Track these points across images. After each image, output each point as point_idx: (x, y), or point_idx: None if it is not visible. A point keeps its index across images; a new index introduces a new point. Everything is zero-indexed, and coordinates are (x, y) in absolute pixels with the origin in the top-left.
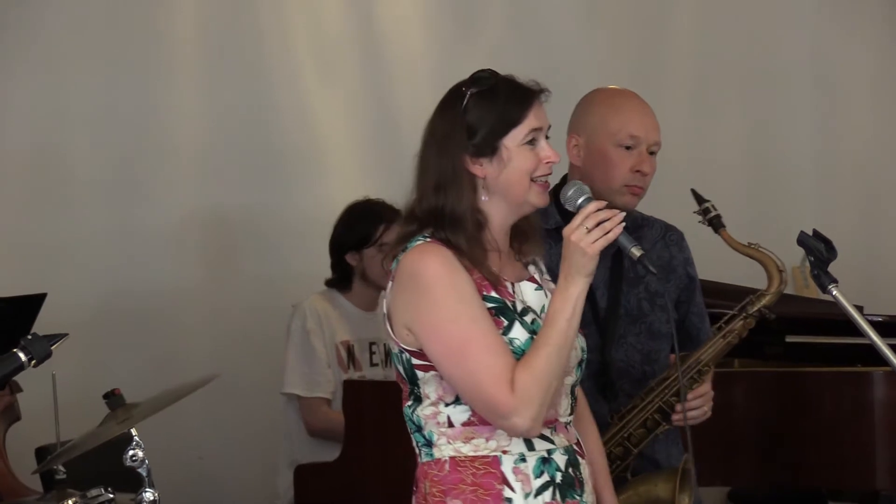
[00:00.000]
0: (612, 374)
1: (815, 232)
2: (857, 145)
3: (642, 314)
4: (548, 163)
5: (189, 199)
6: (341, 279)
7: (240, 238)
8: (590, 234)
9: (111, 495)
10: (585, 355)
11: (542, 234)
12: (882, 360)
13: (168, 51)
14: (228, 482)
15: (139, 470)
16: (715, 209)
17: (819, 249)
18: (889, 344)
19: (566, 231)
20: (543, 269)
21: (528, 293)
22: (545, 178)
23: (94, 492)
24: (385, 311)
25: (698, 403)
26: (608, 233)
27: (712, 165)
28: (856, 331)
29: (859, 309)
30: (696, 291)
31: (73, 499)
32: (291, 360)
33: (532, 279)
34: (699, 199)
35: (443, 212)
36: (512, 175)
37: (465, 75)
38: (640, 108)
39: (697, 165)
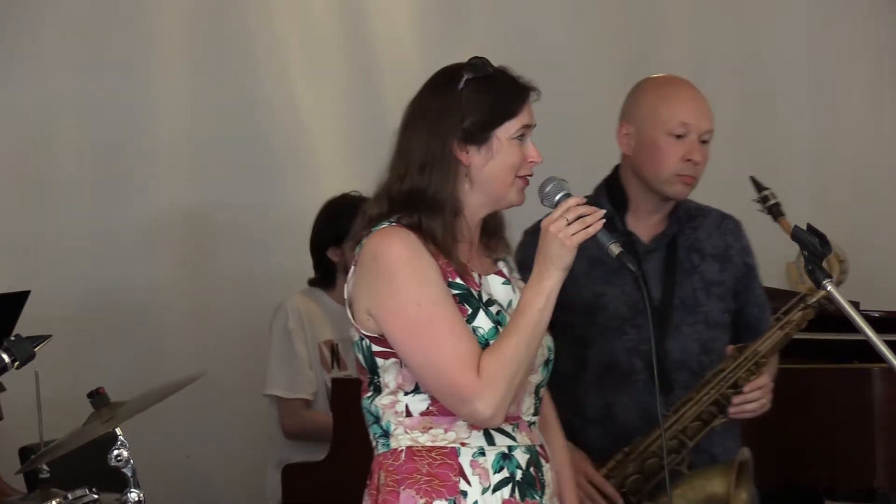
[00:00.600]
0: (669, 366)
1: (809, 226)
2: (852, 138)
3: (698, 304)
4: (531, 162)
5: (173, 196)
6: (324, 277)
7: (224, 235)
8: (570, 227)
9: (95, 496)
10: (552, 356)
11: (505, 228)
12: (880, 357)
13: (152, 44)
14: (216, 481)
15: (124, 470)
16: (775, 197)
17: (813, 244)
18: (886, 340)
19: (545, 222)
20: (514, 266)
21: (496, 286)
22: (526, 178)
23: (78, 492)
24: (347, 296)
25: (756, 396)
26: (588, 227)
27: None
28: (853, 327)
29: (855, 305)
30: (755, 281)
31: (58, 499)
32: (273, 361)
33: (500, 273)
34: (759, 187)
35: (424, 194)
36: (497, 168)
37: None
38: (692, 95)
39: None
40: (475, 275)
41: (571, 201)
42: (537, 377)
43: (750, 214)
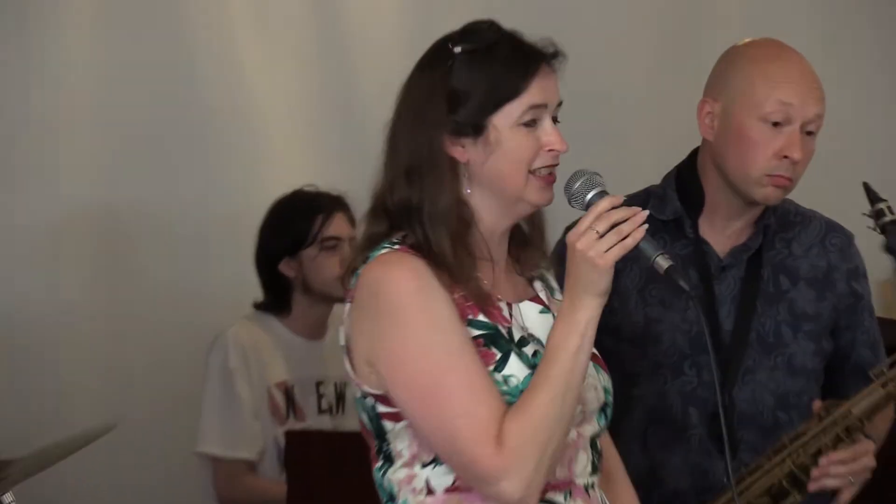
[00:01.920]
0: (734, 421)
1: None
2: None
3: (781, 342)
4: (551, 151)
5: (81, 191)
6: (276, 299)
7: (147, 242)
8: (601, 241)
9: None
10: (610, 398)
11: (546, 237)
12: None
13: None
14: None
15: None
16: (893, 212)
17: None
18: None
19: (570, 237)
20: (554, 285)
21: (531, 317)
22: (549, 171)
23: None
24: (343, 341)
25: (839, 471)
26: (626, 238)
27: None
28: None
29: None
30: (865, 314)
31: None
32: (208, 410)
33: (536, 299)
34: (873, 198)
35: (419, 206)
36: (501, 164)
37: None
38: (800, 71)
39: None
40: (503, 305)
41: (603, 204)
42: (593, 427)
43: (854, 226)
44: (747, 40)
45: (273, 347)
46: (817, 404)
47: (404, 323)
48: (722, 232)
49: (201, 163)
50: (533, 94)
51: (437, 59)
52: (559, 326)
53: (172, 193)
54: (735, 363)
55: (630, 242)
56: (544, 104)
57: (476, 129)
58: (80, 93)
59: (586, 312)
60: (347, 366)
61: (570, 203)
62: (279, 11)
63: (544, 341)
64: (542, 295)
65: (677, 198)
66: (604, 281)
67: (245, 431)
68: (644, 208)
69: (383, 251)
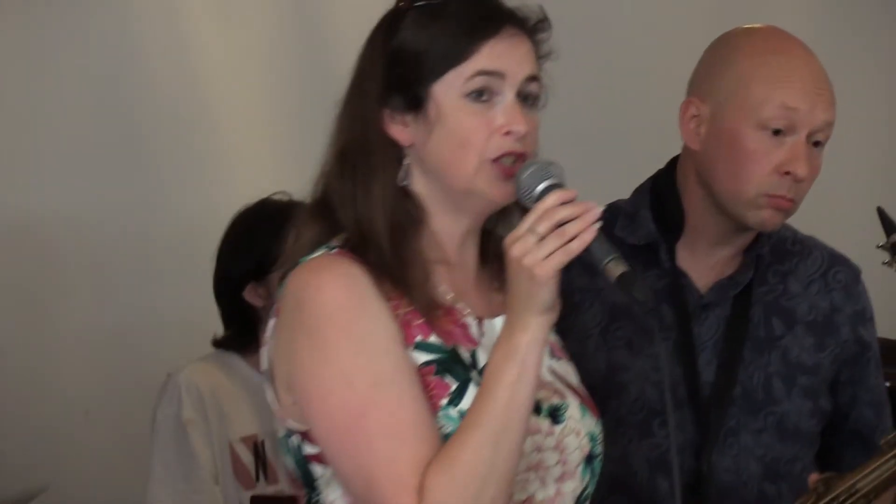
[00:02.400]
0: (711, 492)
1: None
2: None
3: (771, 399)
4: (507, 133)
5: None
6: (240, 334)
7: (78, 265)
8: (540, 245)
9: None
10: (599, 448)
11: None
12: None
13: None
14: None
15: None
16: None
17: None
18: None
19: (506, 241)
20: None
21: None
22: (510, 159)
23: None
24: (266, 365)
25: None
26: (571, 241)
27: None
28: None
29: None
30: (871, 366)
31: None
32: (157, 471)
33: None
34: (889, 227)
35: (352, 198)
36: (443, 146)
37: None
38: (807, 67)
39: None
40: (470, 320)
41: (550, 200)
42: (574, 483)
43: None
44: (742, 28)
45: (237, 394)
46: (813, 477)
47: (325, 343)
48: (704, 261)
49: (146, 169)
50: (483, 57)
51: (384, 21)
52: (495, 353)
53: (105, 209)
54: (715, 423)
55: (576, 246)
56: (500, 72)
57: (414, 100)
58: (3, 89)
59: (526, 334)
60: (270, 396)
61: (519, 200)
62: (239, 3)
63: None
64: None
65: (651, 217)
66: (544, 294)
67: (202, 497)
68: (611, 229)
69: (316, 255)
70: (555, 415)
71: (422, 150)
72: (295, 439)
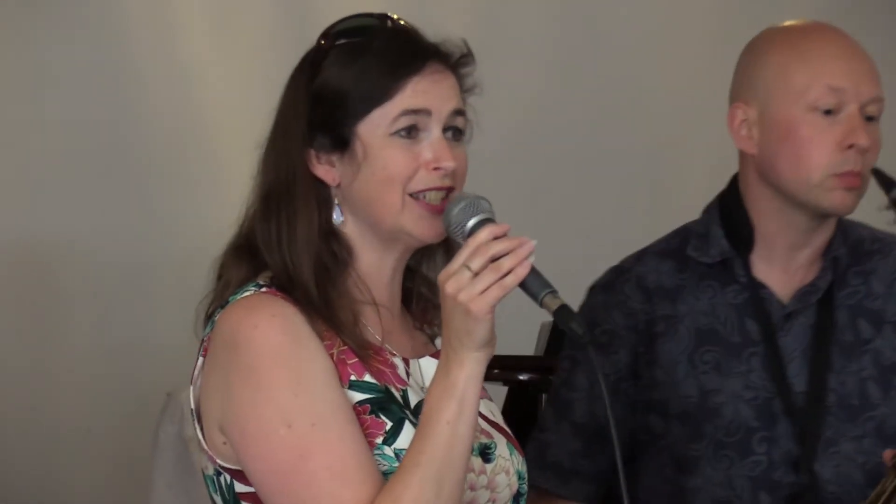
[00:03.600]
0: (814, 501)
1: None
2: None
3: (868, 404)
4: (436, 169)
5: None
6: None
7: (78, 284)
8: (475, 281)
9: None
10: (525, 486)
11: None
12: None
13: None
14: None
15: None
16: None
17: None
18: None
19: (440, 277)
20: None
21: (432, 375)
22: (434, 195)
23: None
24: (193, 404)
25: None
26: (506, 275)
27: None
28: None
29: None
30: None
31: None
32: (160, 488)
33: (440, 355)
34: (887, 183)
35: (278, 241)
36: (370, 184)
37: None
38: (841, 46)
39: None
40: (397, 361)
41: (482, 234)
42: None
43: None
44: (770, 28)
45: None
46: (888, 453)
47: (262, 383)
48: (782, 270)
49: (145, 192)
50: (408, 96)
51: (308, 58)
52: (433, 391)
53: (110, 228)
54: (812, 433)
55: (511, 281)
56: (425, 109)
57: (340, 140)
58: (3, 113)
59: (463, 370)
60: (198, 434)
61: (450, 235)
62: (235, 13)
63: None
64: None
65: (723, 234)
66: (480, 330)
67: None
68: (684, 251)
69: (246, 293)
70: (485, 454)
71: (348, 189)
72: (225, 478)
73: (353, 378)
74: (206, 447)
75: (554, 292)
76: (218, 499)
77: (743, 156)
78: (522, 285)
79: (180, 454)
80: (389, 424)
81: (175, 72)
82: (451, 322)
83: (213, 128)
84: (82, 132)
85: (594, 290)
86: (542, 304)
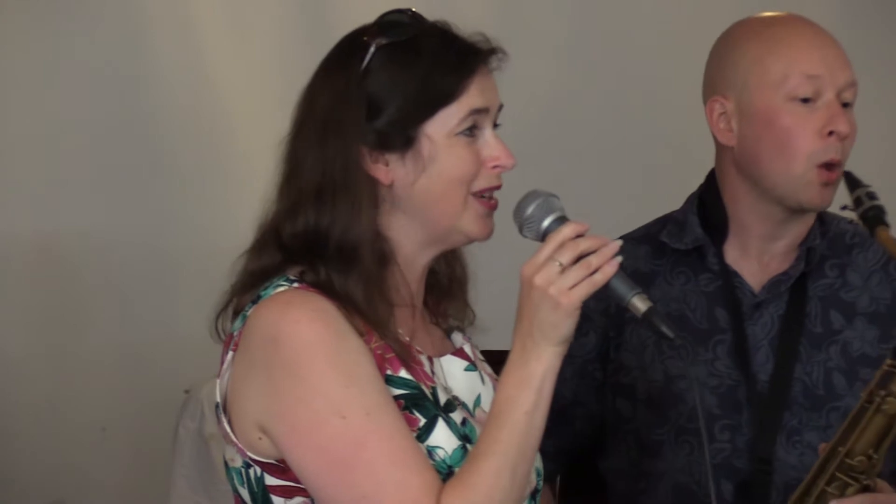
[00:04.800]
0: (772, 489)
1: None
2: None
3: (833, 394)
4: (495, 167)
5: (18, 221)
6: None
7: (101, 283)
8: (565, 276)
9: None
10: (541, 482)
11: (468, 284)
12: None
13: None
14: None
15: None
16: (874, 198)
17: None
18: None
19: (525, 269)
20: (469, 337)
21: (456, 376)
22: (490, 194)
23: None
24: (219, 398)
25: None
26: (594, 273)
27: None
28: None
29: None
30: None
31: None
32: (180, 485)
33: (460, 353)
34: (853, 185)
35: (326, 236)
36: (435, 183)
37: None
38: (813, 35)
39: None
40: (423, 359)
41: (566, 230)
42: None
43: None
44: (739, 22)
45: None
46: (822, 447)
47: (310, 377)
48: (757, 259)
49: (165, 187)
50: (473, 95)
51: (348, 56)
52: (509, 380)
53: (130, 224)
54: (772, 422)
55: (600, 278)
56: (486, 108)
57: (405, 140)
58: (23, 116)
59: (542, 364)
60: (225, 427)
61: (520, 231)
62: (255, 11)
63: (471, 406)
64: (467, 349)
65: (698, 222)
66: (566, 325)
67: None
68: (659, 237)
69: (280, 289)
70: None
71: (407, 188)
72: (255, 471)
73: (389, 373)
74: (234, 440)
75: (641, 293)
76: (244, 492)
77: (721, 149)
78: (608, 285)
79: (200, 451)
80: (423, 421)
81: (194, 68)
82: (537, 314)
83: (233, 123)
84: (102, 128)
85: None
86: (628, 305)
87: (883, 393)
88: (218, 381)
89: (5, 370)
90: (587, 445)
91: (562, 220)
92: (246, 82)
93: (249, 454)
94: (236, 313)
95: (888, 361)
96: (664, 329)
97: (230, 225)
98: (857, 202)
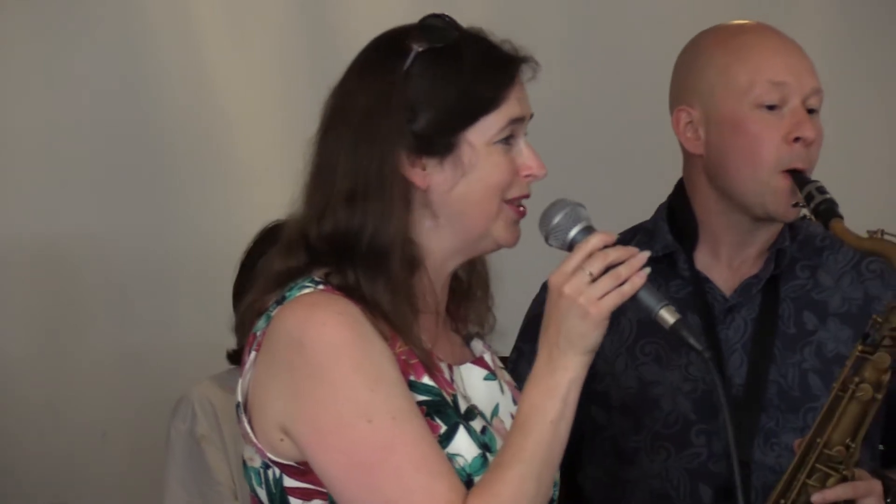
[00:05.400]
0: (751, 491)
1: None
2: None
3: (809, 395)
4: (527, 177)
5: (18, 223)
6: None
7: (98, 285)
8: (594, 285)
9: None
10: (557, 488)
11: (491, 288)
12: None
13: None
14: None
15: None
16: (824, 192)
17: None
18: None
19: (555, 279)
20: (489, 345)
21: (475, 385)
22: (520, 202)
23: None
24: (240, 398)
25: None
26: (623, 284)
27: None
28: None
29: None
30: None
31: None
32: (173, 487)
33: (480, 362)
34: (801, 182)
35: (357, 238)
36: (473, 190)
37: None
38: (778, 42)
39: None
40: (444, 367)
41: (595, 240)
42: None
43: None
44: (705, 31)
45: None
46: (796, 443)
47: (336, 380)
48: (728, 264)
49: (164, 190)
50: (512, 105)
51: (387, 58)
52: (533, 389)
53: (126, 229)
54: (749, 426)
55: (628, 289)
56: (522, 117)
57: (446, 146)
58: (25, 118)
59: (568, 373)
60: (245, 427)
61: (546, 240)
62: (255, 13)
63: (489, 415)
64: (487, 357)
65: (668, 230)
66: (595, 335)
67: None
68: (628, 244)
69: (305, 290)
70: None
71: (442, 194)
72: (273, 472)
73: (412, 379)
74: (254, 440)
75: (668, 305)
76: (262, 492)
77: (689, 157)
78: (636, 296)
79: (192, 452)
80: (444, 428)
81: (196, 71)
82: (564, 323)
83: (232, 126)
84: (102, 131)
85: (545, 284)
86: (656, 317)
87: (857, 380)
88: (240, 380)
89: (5, 372)
90: (565, 458)
91: (589, 229)
92: (246, 85)
93: (269, 455)
94: (259, 313)
95: (859, 347)
96: (692, 341)
97: (230, 228)
98: (809, 198)
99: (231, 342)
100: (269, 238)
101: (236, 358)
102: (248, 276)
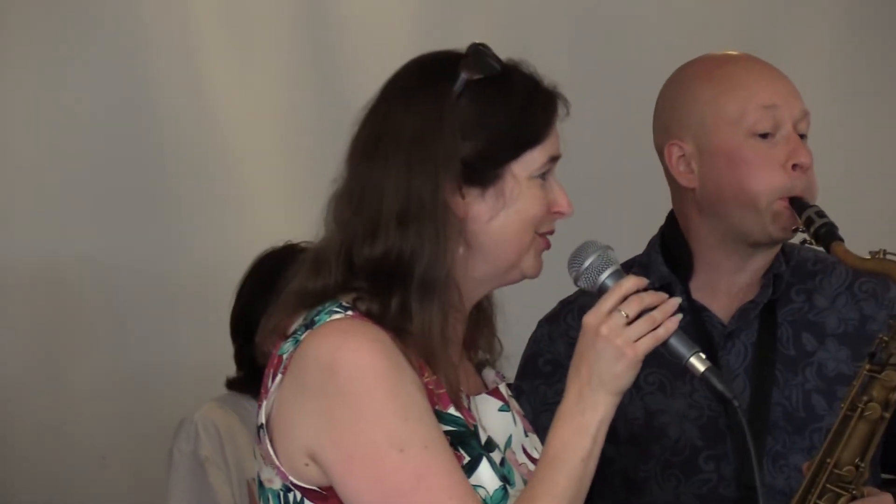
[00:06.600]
0: None
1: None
2: None
3: (814, 416)
4: (556, 213)
5: (17, 248)
6: (251, 375)
7: (99, 309)
8: (632, 327)
9: None
10: None
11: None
12: None
13: None
14: None
15: None
16: (823, 216)
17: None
18: None
19: (590, 318)
20: (503, 375)
21: (490, 415)
22: (547, 237)
23: None
24: (263, 420)
25: None
26: (658, 328)
27: None
28: None
29: None
30: None
31: None
32: None
33: (496, 393)
34: (800, 207)
35: (411, 265)
36: (511, 222)
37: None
38: (762, 68)
39: None
40: (463, 397)
41: (629, 283)
42: None
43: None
44: (689, 63)
45: (250, 436)
46: (806, 465)
47: (369, 408)
48: (725, 293)
49: (164, 213)
50: (552, 140)
51: (437, 83)
52: (564, 427)
53: (129, 250)
54: (758, 447)
55: (662, 333)
56: (557, 156)
57: (489, 176)
58: (22, 137)
59: (598, 413)
60: (268, 449)
61: (575, 282)
62: (257, 30)
63: (503, 446)
64: (502, 388)
65: (662, 262)
66: (628, 376)
67: None
68: None
69: (335, 316)
70: None
71: (480, 223)
72: (294, 496)
73: (437, 408)
74: (277, 462)
75: (699, 352)
76: None
77: (680, 191)
78: (667, 342)
79: (196, 473)
80: (467, 459)
81: (195, 95)
82: (598, 363)
83: (235, 147)
84: (102, 154)
85: (541, 322)
86: (686, 364)
87: (865, 399)
88: (263, 402)
89: (5, 395)
90: None
91: (619, 273)
92: (247, 110)
93: (292, 478)
94: (283, 335)
95: (866, 366)
96: (723, 390)
97: (229, 250)
98: (808, 222)
99: (230, 366)
100: (260, 268)
101: (236, 385)
102: (245, 308)
